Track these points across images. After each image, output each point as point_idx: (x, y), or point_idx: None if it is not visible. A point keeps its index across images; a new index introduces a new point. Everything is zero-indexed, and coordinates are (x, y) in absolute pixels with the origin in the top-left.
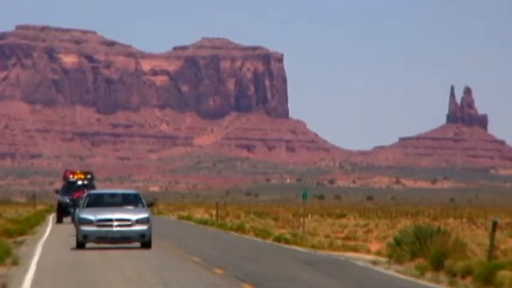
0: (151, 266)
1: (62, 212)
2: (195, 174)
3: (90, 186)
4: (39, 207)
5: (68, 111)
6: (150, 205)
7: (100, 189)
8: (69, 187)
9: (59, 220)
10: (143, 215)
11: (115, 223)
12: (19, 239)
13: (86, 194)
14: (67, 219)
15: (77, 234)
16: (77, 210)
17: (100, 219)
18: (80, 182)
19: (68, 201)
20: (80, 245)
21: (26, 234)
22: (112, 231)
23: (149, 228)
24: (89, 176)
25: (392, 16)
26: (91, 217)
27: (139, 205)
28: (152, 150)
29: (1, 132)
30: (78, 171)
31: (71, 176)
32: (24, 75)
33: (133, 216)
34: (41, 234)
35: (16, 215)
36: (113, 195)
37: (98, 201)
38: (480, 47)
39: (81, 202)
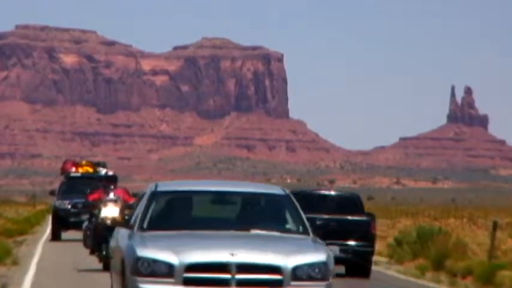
0: None
1: (60, 223)
2: (195, 174)
3: (111, 178)
4: (39, 207)
5: (68, 111)
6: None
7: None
8: (71, 186)
9: (55, 236)
10: (314, 257)
11: (236, 276)
12: (19, 238)
13: (147, 197)
14: (67, 234)
15: None
16: (120, 234)
17: (196, 263)
18: (103, 171)
19: (68, 207)
20: None
21: (26, 234)
22: None
23: None
24: (100, 169)
25: (393, 16)
26: (170, 258)
27: (296, 228)
28: (152, 150)
29: (1, 132)
30: (83, 162)
31: (73, 169)
32: (24, 75)
33: (286, 260)
34: (41, 234)
35: (16, 215)
36: (221, 196)
37: (182, 213)
38: (480, 46)
39: (136, 215)
